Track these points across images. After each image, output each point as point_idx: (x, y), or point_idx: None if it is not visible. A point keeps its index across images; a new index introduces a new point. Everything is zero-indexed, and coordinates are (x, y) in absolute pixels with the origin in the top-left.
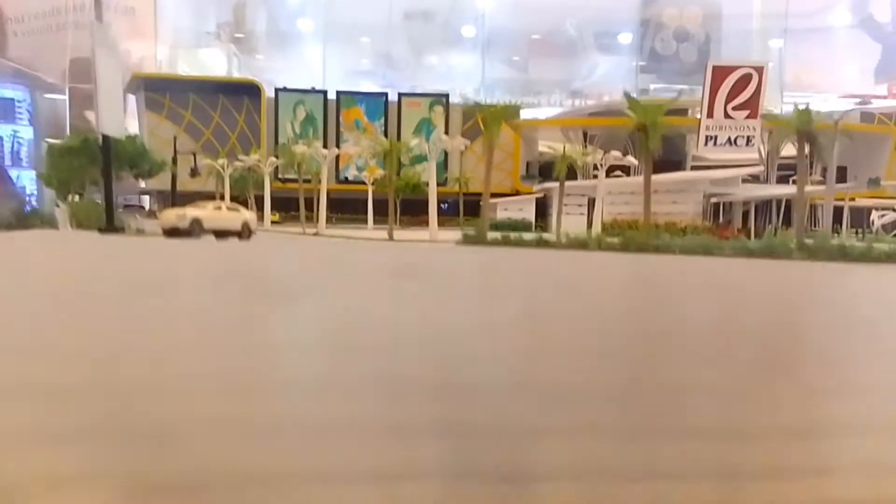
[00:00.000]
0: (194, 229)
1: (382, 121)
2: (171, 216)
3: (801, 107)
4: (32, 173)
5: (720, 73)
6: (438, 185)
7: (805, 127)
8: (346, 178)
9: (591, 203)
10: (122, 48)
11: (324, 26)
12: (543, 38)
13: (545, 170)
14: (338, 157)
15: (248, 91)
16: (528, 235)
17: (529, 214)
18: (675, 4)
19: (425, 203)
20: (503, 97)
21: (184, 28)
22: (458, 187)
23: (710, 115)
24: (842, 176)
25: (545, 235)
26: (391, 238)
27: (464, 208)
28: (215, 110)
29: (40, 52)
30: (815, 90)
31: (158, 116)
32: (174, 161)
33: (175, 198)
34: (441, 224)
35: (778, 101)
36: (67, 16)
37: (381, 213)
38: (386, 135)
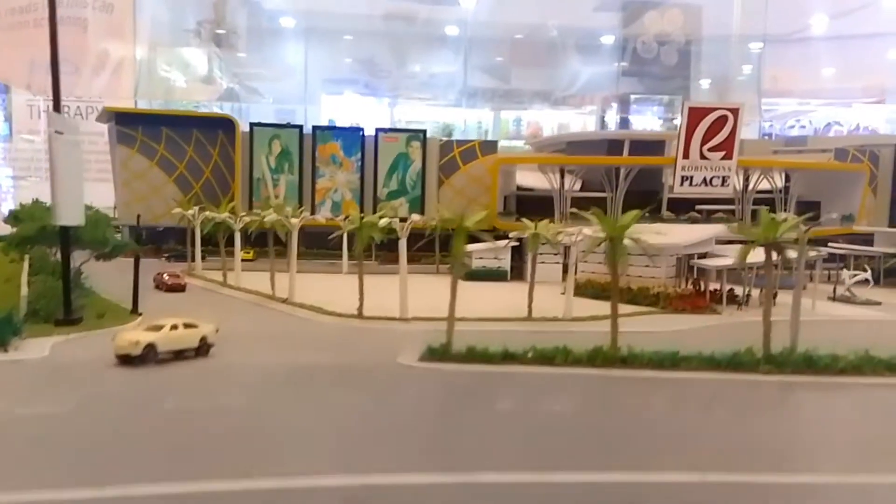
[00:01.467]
0: (148, 356)
1: (359, 156)
2: (125, 342)
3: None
4: (9, 171)
5: (696, 114)
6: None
7: (771, 239)
8: None
9: (567, 250)
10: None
11: (305, 28)
12: (526, 38)
13: (521, 207)
14: (314, 191)
15: (222, 125)
16: (493, 347)
17: (505, 263)
18: (656, 7)
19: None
20: (485, 106)
21: (163, 25)
22: (436, 228)
23: (685, 155)
24: (815, 211)
25: (510, 349)
26: (360, 314)
27: (439, 245)
28: (189, 144)
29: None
30: (792, 95)
31: (130, 150)
32: (138, 241)
33: (137, 278)
34: (415, 260)
35: (756, 107)
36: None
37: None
38: (363, 170)
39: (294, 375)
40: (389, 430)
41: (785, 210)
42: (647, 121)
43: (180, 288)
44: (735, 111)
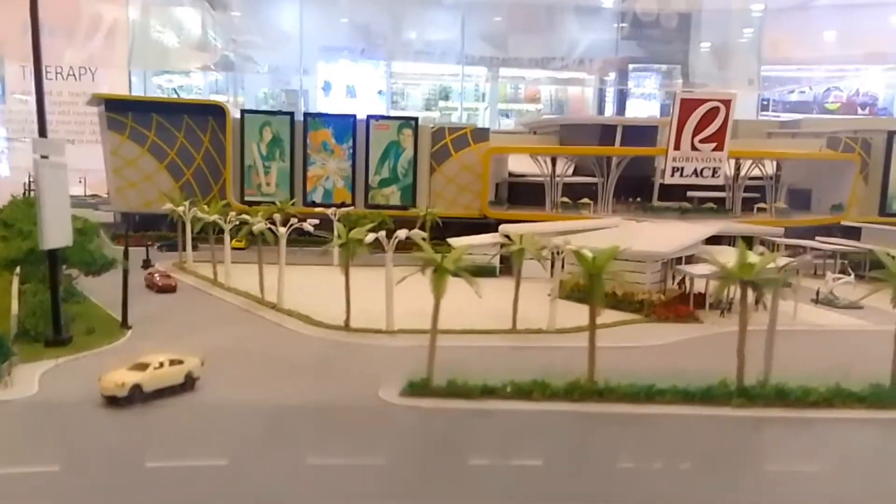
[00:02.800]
0: (134, 397)
1: (351, 143)
2: (111, 384)
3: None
4: (3, 132)
5: (688, 105)
6: (405, 209)
7: (747, 277)
8: (314, 202)
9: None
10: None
11: None
12: (524, 1)
13: (513, 194)
14: (305, 179)
15: (212, 111)
16: (473, 378)
17: (494, 258)
18: None
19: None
20: (482, 75)
21: None
22: (426, 222)
23: (677, 146)
24: (805, 199)
25: (489, 383)
26: (347, 326)
27: (430, 234)
28: (179, 131)
29: None
30: (793, 62)
31: (121, 136)
32: (125, 255)
33: (126, 293)
34: (405, 248)
35: (755, 73)
36: None
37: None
38: (354, 157)
39: (274, 420)
40: (364, 496)
41: (776, 198)
42: (645, 92)
43: (171, 289)
44: (727, 103)
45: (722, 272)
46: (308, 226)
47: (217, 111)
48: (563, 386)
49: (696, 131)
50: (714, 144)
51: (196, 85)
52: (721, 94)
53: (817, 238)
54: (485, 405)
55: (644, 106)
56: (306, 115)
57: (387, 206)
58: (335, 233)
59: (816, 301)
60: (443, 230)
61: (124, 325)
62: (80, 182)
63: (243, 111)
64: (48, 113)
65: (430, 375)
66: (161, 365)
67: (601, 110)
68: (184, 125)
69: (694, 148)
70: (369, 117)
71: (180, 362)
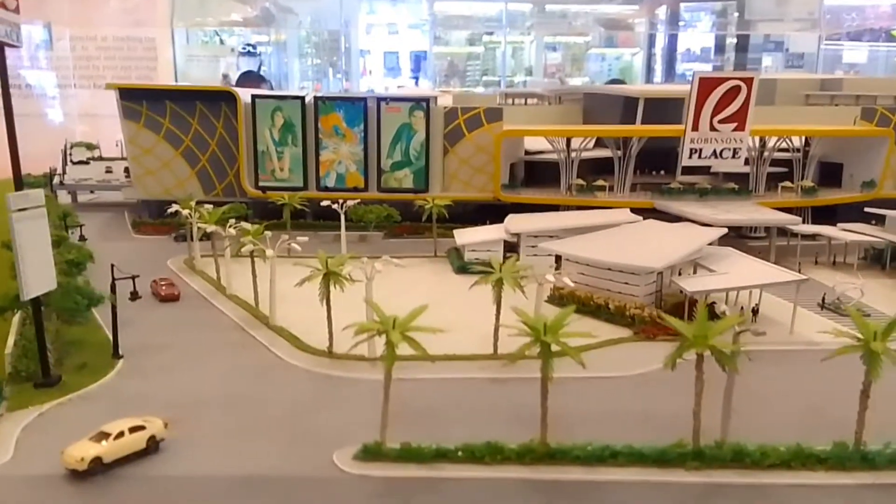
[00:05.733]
0: (95, 469)
1: (362, 127)
2: (71, 459)
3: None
4: (53, 76)
5: (707, 84)
6: (418, 191)
7: (702, 348)
8: (327, 187)
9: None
10: None
11: None
12: None
13: (530, 173)
14: (318, 164)
15: (224, 97)
16: (426, 445)
17: (498, 255)
18: None
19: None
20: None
21: None
22: (433, 216)
23: (695, 127)
24: (837, 174)
25: (441, 445)
26: (330, 352)
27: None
28: (193, 117)
29: None
30: None
31: (137, 125)
32: (112, 289)
33: (116, 325)
34: (416, 232)
35: (816, 8)
36: None
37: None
38: (366, 141)
39: (227, 497)
40: None
41: (803, 175)
42: (696, 38)
43: (174, 298)
44: (749, 81)
45: (682, 341)
46: (296, 245)
47: (228, 97)
48: (517, 448)
49: (716, 111)
50: (735, 125)
51: (238, 28)
52: (743, 73)
53: (839, 225)
54: (436, 472)
55: (699, 38)
56: (317, 98)
57: (400, 190)
58: (342, 225)
59: (822, 306)
60: (458, 212)
61: (116, 354)
62: (116, 145)
63: (254, 96)
64: (94, 59)
65: (383, 440)
66: (121, 434)
67: (651, 43)
68: (197, 112)
69: (713, 128)
70: (379, 99)
71: (142, 428)
